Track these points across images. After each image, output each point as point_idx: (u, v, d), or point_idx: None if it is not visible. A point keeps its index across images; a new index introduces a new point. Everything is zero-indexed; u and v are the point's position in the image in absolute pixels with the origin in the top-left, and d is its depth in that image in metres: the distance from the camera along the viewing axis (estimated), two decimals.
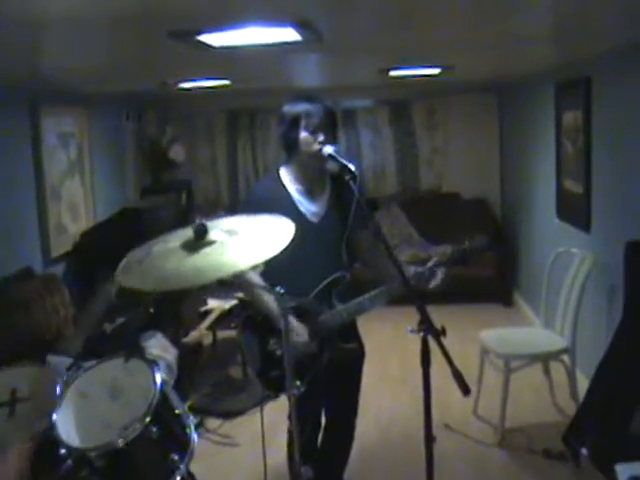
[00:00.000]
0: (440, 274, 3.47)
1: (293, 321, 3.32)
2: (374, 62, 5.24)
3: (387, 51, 4.56)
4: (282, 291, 2.77)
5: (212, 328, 6.27)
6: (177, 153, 8.05)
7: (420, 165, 9.42)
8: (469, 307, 8.03)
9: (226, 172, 9.51)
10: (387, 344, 6.69)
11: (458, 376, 2.66)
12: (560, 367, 5.05)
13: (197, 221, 2.55)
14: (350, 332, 3.61)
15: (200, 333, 5.98)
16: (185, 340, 5.77)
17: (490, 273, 8.07)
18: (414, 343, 2.86)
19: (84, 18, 2.61)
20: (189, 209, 7.98)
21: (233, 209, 9.03)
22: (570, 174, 5.88)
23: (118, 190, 7.51)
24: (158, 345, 5.28)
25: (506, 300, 8.21)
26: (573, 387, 4.96)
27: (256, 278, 3.35)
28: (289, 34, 3.21)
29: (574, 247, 5.41)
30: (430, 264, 3.48)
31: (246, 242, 2.55)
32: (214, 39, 3.28)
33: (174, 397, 2.90)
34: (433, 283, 3.45)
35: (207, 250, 2.45)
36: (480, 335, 5.20)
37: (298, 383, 2.85)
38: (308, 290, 3.39)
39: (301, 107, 3.37)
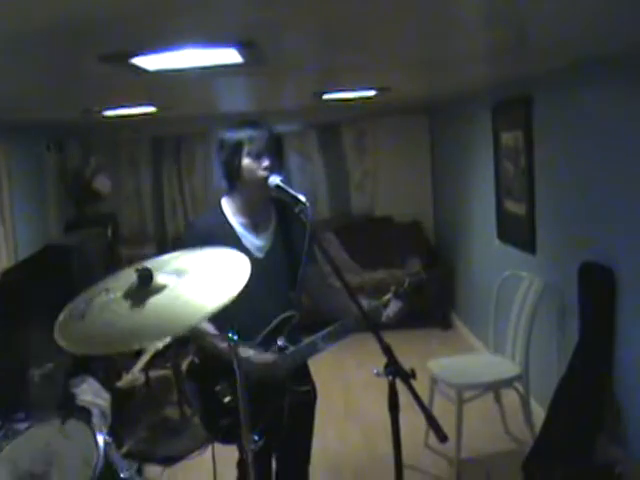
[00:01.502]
0: (394, 306, 3.23)
1: (248, 351, 3.05)
2: (310, 84, 5.04)
3: (326, 72, 4.37)
4: (235, 337, 2.52)
5: (145, 369, 5.93)
6: (102, 184, 7.69)
7: (351, 189, 9.26)
8: (406, 332, 7.78)
9: (151, 203, 9.18)
10: (327, 375, 6.46)
11: (434, 422, 2.44)
12: (510, 392, 4.90)
13: (139, 265, 2.26)
14: (302, 374, 3.35)
15: (133, 376, 5.64)
16: (118, 384, 5.44)
17: (427, 294, 7.91)
18: (356, 374, 2.63)
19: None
20: (115, 243, 7.63)
21: (161, 242, 8.72)
22: (511, 195, 5.77)
23: (41, 225, 7.12)
24: (90, 391, 4.95)
25: (443, 324, 8.07)
26: (527, 414, 4.80)
27: (205, 323, 3.07)
28: (230, 56, 2.97)
29: (518, 269, 5.31)
30: (385, 298, 3.25)
31: (199, 283, 2.28)
32: (149, 62, 3.02)
33: (118, 460, 2.61)
34: (386, 316, 3.21)
35: (156, 300, 2.17)
36: (428, 365, 5.00)
37: (255, 437, 2.59)
38: (255, 331, 3.13)
39: (244, 132, 3.12)
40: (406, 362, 3.11)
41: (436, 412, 4.86)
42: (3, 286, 5.83)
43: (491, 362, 5.08)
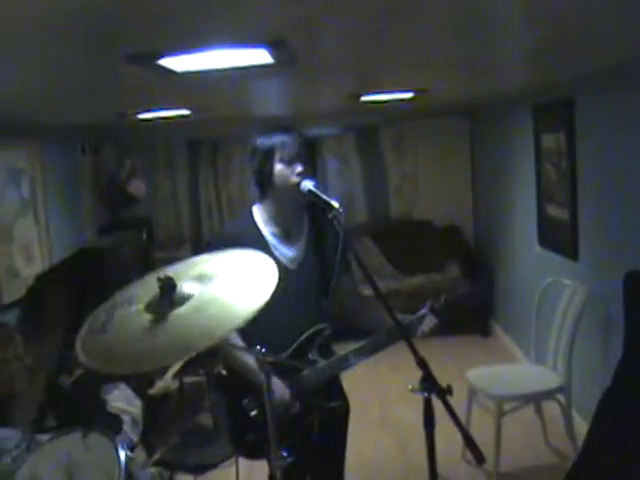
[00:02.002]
0: (429, 322, 3.08)
1: (273, 378, 2.95)
2: (346, 86, 4.92)
3: (360, 73, 4.25)
4: (263, 350, 2.42)
5: (178, 375, 5.86)
6: (137, 188, 7.64)
7: (389, 193, 9.12)
8: (444, 339, 7.64)
9: (188, 206, 9.11)
10: (362, 383, 6.34)
11: (471, 442, 2.30)
12: (551, 404, 4.74)
13: (161, 273, 2.15)
14: (333, 388, 3.22)
15: (166, 383, 5.57)
16: (150, 391, 5.36)
17: (463, 311, 7.74)
18: (392, 382, 2.51)
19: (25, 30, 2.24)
20: (150, 246, 7.57)
21: (196, 245, 8.65)
22: (553, 199, 5.61)
23: (75, 229, 7.08)
24: (121, 397, 4.89)
25: (483, 330, 7.90)
26: (569, 427, 4.63)
27: (233, 336, 2.96)
28: (261, 56, 2.87)
29: (559, 276, 5.14)
30: (420, 313, 3.10)
31: (225, 291, 2.17)
32: (177, 63, 2.93)
33: (142, 475, 2.51)
34: (421, 331, 3.06)
35: (180, 312, 2.06)
36: (467, 374, 4.86)
37: (284, 453, 2.48)
38: (285, 345, 3.02)
39: (275, 138, 3.02)
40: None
41: (474, 423, 4.79)
42: (37, 290, 5.80)
43: (532, 372, 4.92)
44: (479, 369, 4.96)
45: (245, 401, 2.99)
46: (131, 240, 6.84)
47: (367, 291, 2.94)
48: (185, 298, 2.12)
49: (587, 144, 4.89)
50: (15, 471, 2.45)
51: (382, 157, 9.05)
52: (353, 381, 3.18)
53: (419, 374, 2.41)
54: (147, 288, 2.22)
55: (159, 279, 2.13)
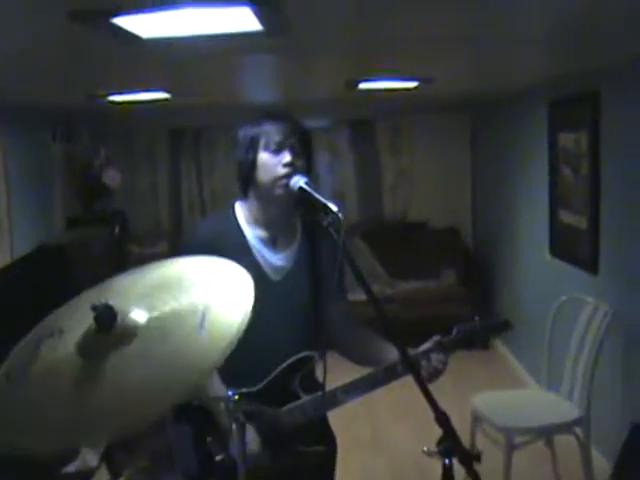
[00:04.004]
0: (436, 361, 2.48)
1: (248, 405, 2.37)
2: (344, 69, 4.36)
3: (362, 53, 3.68)
4: (236, 397, 1.85)
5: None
6: (112, 178, 7.03)
7: (383, 191, 8.56)
8: None
9: (168, 199, 8.51)
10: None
11: None
12: (564, 436, 4.18)
13: (97, 296, 1.58)
14: (316, 429, 2.62)
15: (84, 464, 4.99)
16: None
17: (460, 312, 7.15)
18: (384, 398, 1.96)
19: None
20: (123, 242, 6.97)
21: (175, 241, 8.05)
22: (569, 205, 5.06)
23: (42, 223, 6.48)
24: None
25: (482, 343, 7.34)
26: (587, 464, 4.07)
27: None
28: (245, 18, 2.29)
29: (574, 290, 4.63)
30: (424, 347, 2.51)
31: (187, 318, 1.59)
32: (140, 26, 2.35)
33: None
34: (424, 374, 2.45)
35: (123, 356, 1.49)
36: (472, 400, 4.30)
37: None
38: (261, 373, 2.45)
39: (261, 125, 2.46)
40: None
41: None
42: None
43: (545, 400, 4.34)
44: (485, 394, 4.41)
45: (209, 439, 2.41)
46: (101, 235, 6.25)
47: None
48: (132, 331, 1.55)
49: (613, 145, 4.36)
50: None
51: (377, 153, 8.50)
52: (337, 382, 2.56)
53: (414, 390, 1.85)
54: (83, 315, 1.65)
55: (93, 308, 1.55)
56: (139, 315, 1.58)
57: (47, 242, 5.60)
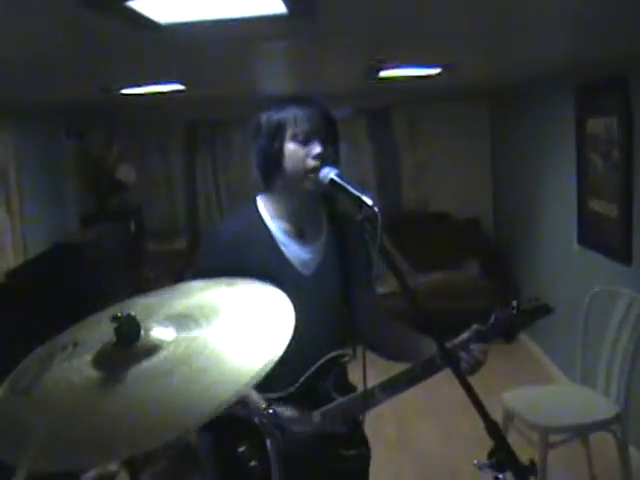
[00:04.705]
0: (477, 352, 2.34)
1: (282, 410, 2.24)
2: (365, 56, 4.19)
3: (384, 39, 3.52)
4: (270, 409, 1.71)
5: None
6: (126, 174, 6.90)
7: (403, 182, 8.40)
8: None
9: (183, 195, 8.37)
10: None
11: None
12: (600, 433, 4.02)
13: (119, 309, 1.43)
14: (352, 431, 2.47)
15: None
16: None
17: (484, 305, 6.95)
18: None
19: None
20: (140, 239, 6.83)
21: (193, 237, 7.91)
22: (599, 193, 4.88)
23: (56, 221, 6.35)
24: None
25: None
26: (625, 464, 3.90)
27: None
28: (268, 1, 2.14)
29: (606, 281, 4.49)
30: (462, 337, 2.36)
31: (217, 339, 1.44)
32: (157, 10, 2.20)
33: None
34: (465, 366, 2.32)
35: (144, 371, 1.35)
36: (504, 397, 4.14)
37: None
38: (294, 374, 2.30)
39: (287, 112, 2.29)
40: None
41: None
42: (7, 289, 5.12)
43: (580, 397, 4.17)
44: (517, 391, 4.25)
45: (242, 448, 2.26)
46: (117, 233, 6.12)
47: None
48: (154, 348, 1.41)
49: None
50: None
51: (396, 143, 8.33)
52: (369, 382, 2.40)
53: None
54: (101, 328, 1.50)
55: (115, 318, 1.41)
56: (165, 332, 1.44)
57: (61, 241, 5.47)
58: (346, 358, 2.38)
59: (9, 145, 5.46)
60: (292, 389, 2.29)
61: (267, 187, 2.40)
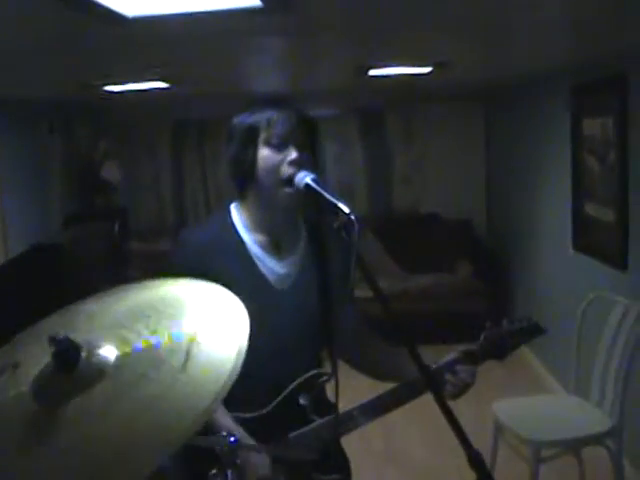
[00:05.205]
0: (465, 373, 2.22)
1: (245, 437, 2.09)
2: (353, 54, 4.05)
3: (371, 36, 3.37)
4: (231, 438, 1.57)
5: None
6: (111, 172, 6.74)
7: (394, 182, 8.26)
8: (449, 347, 6.81)
9: (171, 194, 8.23)
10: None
11: None
12: (593, 448, 3.87)
13: (55, 334, 1.27)
14: (331, 454, 2.31)
15: None
16: None
17: (476, 308, 6.87)
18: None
19: None
20: (124, 240, 6.66)
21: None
22: (594, 196, 4.75)
23: (39, 220, 6.19)
24: None
25: None
26: (620, 478, 3.77)
27: None
28: None
29: (600, 287, 4.34)
30: (449, 358, 2.24)
31: (168, 354, 1.29)
32: (123, 2, 2.05)
33: None
34: (450, 389, 2.20)
35: (88, 403, 1.20)
36: (493, 408, 4.00)
37: None
38: (267, 394, 2.16)
39: (261, 114, 2.13)
40: None
41: (500, 467, 3.93)
42: None
43: (573, 408, 4.02)
44: (507, 402, 4.10)
45: (214, 471, 2.11)
46: (100, 232, 5.96)
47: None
48: (98, 373, 1.26)
49: None
50: None
51: (387, 143, 8.20)
52: (352, 402, 2.25)
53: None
54: (43, 347, 1.35)
55: (52, 341, 1.25)
56: (109, 351, 1.29)
57: (41, 241, 5.31)
58: (324, 377, 2.23)
59: None
60: (266, 409, 2.15)
61: (241, 195, 2.24)
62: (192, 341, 1.26)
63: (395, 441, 5.10)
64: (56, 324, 1.47)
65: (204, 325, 1.32)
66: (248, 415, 2.11)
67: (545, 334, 2.40)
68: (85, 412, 1.20)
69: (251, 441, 2.04)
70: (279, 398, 2.15)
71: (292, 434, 2.14)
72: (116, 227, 6.49)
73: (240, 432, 2.03)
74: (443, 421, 1.63)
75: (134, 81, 4.69)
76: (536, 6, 2.70)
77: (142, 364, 1.25)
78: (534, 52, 4.45)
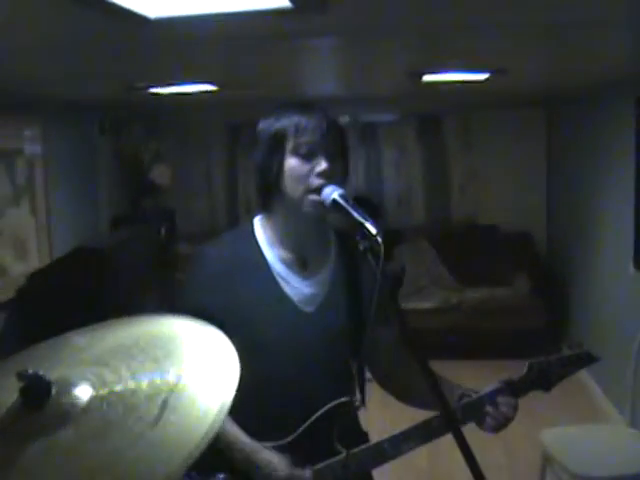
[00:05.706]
0: (506, 406, 2.04)
1: (267, 453, 1.95)
2: (402, 58, 3.86)
3: (423, 41, 3.20)
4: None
5: None
6: (161, 174, 6.66)
7: (452, 191, 8.03)
8: (504, 365, 6.55)
9: (224, 197, 8.14)
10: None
11: None
12: None
13: (24, 370, 1.14)
14: None
15: None
16: None
17: (533, 324, 6.63)
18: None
19: None
20: (169, 242, 6.57)
21: None
22: None
23: (86, 221, 6.14)
24: None
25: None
26: None
27: None
28: None
29: None
30: (490, 388, 2.06)
31: (137, 405, 1.14)
32: (144, 3, 1.92)
33: None
34: (491, 422, 2.03)
35: (61, 442, 1.07)
36: (541, 436, 3.77)
37: None
38: (292, 423, 2.00)
39: (288, 119, 1.98)
40: None
41: None
42: (28, 292, 4.92)
43: (629, 441, 3.76)
44: (558, 430, 3.87)
45: (221, 477, 1.97)
46: (145, 236, 5.87)
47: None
48: (66, 414, 1.12)
49: None
50: None
51: (445, 150, 7.98)
52: (393, 420, 2.07)
53: None
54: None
55: (19, 375, 1.12)
56: (83, 391, 1.15)
57: (84, 244, 5.24)
58: (355, 404, 2.07)
59: (37, 143, 5.27)
60: (291, 437, 1.99)
61: (266, 209, 2.09)
62: (172, 391, 1.10)
63: (441, 462, 4.90)
64: (39, 356, 1.34)
65: (189, 374, 1.17)
66: (269, 444, 1.97)
67: (598, 362, 2.19)
68: (45, 459, 1.07)
69: (267, 454, 1.94)
70: (305, 425, 2.00)
71: (317, 466, 1.98)
72: (163, 230, 6.40)
73: (252, 444, 1.95)
74: (491, 441, 1.46)
75: (178, 84, 4.59)
76: (600, 16, 2.50)
77: (113, 411, 1.10)
78: (597, 61, 4.22)
